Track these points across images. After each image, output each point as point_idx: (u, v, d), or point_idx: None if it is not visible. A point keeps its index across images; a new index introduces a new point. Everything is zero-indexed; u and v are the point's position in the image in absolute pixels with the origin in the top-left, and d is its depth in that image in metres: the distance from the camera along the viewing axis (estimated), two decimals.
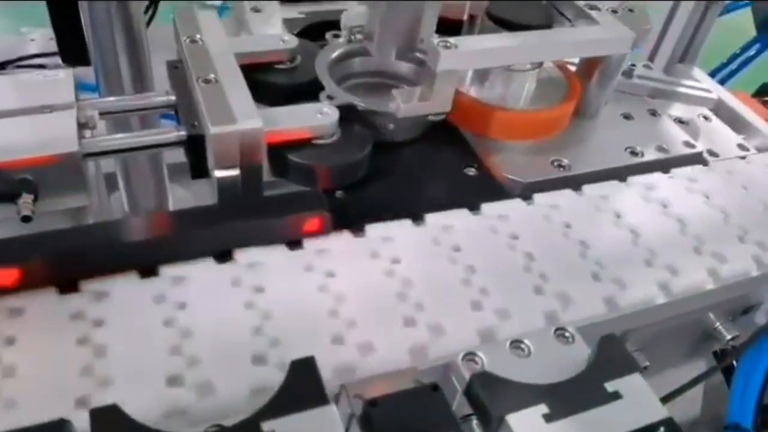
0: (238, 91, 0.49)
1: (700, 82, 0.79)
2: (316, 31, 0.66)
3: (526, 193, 0.57)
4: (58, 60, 0.84)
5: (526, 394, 0.39)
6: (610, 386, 0.40)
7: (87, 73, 0.58)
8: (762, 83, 0.85)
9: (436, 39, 0.51)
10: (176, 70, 0.55)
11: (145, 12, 0.88)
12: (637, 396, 0.40)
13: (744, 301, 0.56)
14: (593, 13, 0.58)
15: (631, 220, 0.55)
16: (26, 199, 0.45)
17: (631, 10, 0.64)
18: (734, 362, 0.57)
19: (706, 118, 0.74)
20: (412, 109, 0.53)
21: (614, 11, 0.62)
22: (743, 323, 0.57)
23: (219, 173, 0.47)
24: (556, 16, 0.60)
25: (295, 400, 0.36)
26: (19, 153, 0.46)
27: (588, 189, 0.57)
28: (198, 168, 0.51)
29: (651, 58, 0.91)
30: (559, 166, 0.61)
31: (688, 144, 0.67)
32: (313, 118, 0.51)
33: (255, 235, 0.47)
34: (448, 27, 0.65)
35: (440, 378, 0.43)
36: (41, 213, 0.46)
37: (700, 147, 0.67)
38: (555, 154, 0.62)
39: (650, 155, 0.64)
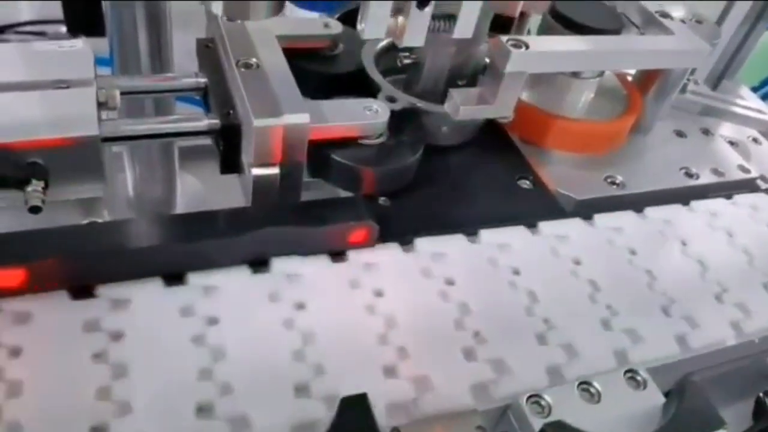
0: (283, 80, 0.43)
1: (747, 100, 0.75)
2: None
3: (580, 210, 0.53)
4: (58, 27, 0.77)
5: None
6: None
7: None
8: None
9: (504, 37, 0.46)
10: (207, 49, 0.49)
11: None
12: None
13: None
14: (666, 21, 0.53)
15: (698, 249, 0.50)
16: (36, 186, 0.39)
17: (699, 21, 0.59)
18: None
19: (755, 140, 0.70)
20: (471, 112, 0.48)
21: (683, 20, 0.58)
22: None
23: (257, 171, 0.42)
24: (625, 22, 0.55)
25: None
26: (30, 133, 0.40)
27: (651, 212, 0.52)
28: (229, 162, 0.45)
29: (692, 72, 0.87)
30: (613, 183, 0.57)
31: (743, 168, 0.63)
32: (362, 116, 0.45)
33: (296, 243, 0.41)
34: (496, 24, 0.60)
35: (499, 420, 0.38)
36: (51, 203, 0.40)
37: (754, 172, 0.63)
38: (609, 170, 0.57)
39: (705, 178, 0.60)
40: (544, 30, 0.54)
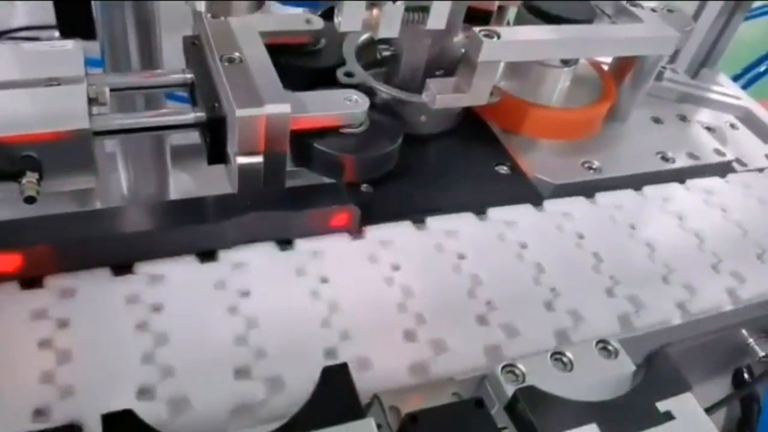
0: (264, 72, 0.45)
1: (725, 87, 0.77)
2: None
3: (557, 194, 0.54)
4: (52, 33, 0.79)
5: (575, 412, 0.36)
6: (662, 406, 0.37)
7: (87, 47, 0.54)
8: None
9: (477, 28, 0.48)
10: (194, 46, 0.51)
11: None
12: (691, 417, 0.37)
13: None
14: (636, 10, 0.55)
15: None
16: (30, 178, 0.41)
17: (670, 10, 0.61)
18: None
19: (733, 126, 0.72)
20: (447, 101, 0.50)
21: (653, 10, 0.60)
22: None
23: (241, 160, 0.44)
24: (597, 12, 0.57)
25: (328, 411, 0.33)
26: (24, 128, 0.42)
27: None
28: (215, 153, 0.47)
29: (672, 61, 0.89)
30: (590, 168, 0.58)
31: (718, 152, 0.65)
32: (342, 106, 0.47)
33: (280, 228, 0.43)
34: (475, 17, 0.62)
35: (475, 390, 0.40)
36: (44, 194, 0.42)
37: (729, 155, 0.65)
38: (586, 156, 0.59)
39: (681, 161, 0.62)
40: (519, 22, 0.56)
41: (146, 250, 0.41)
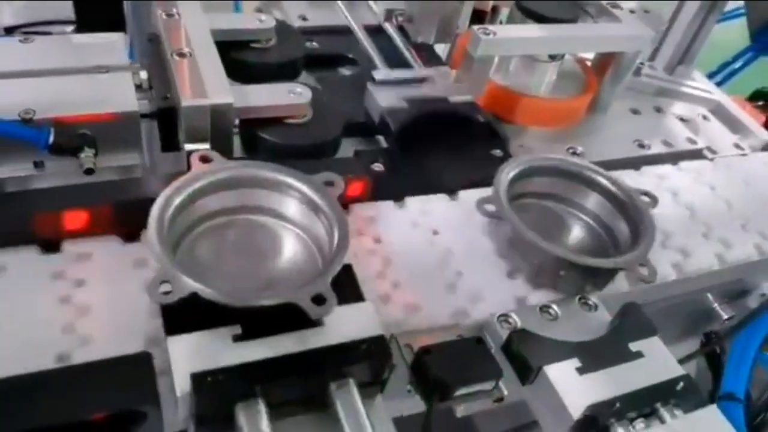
0: (211, 66, 0.49)
1: (699, 83, 0.84)
2: None
3: None
4: (63, 28, 0.84)
5: (560, 349, 0.43)
6: (633, 346, 0.44)
7: None
8: (755, 89, 0.91)
9: (475, 26, 0.55)
10: (151, 42, 0.55)
11: None
12: (657, 356, 0.44)
13: (740, 285, 0.61)
14: (615, 11, 0.62)
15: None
16: (88, 153, 0.47)
17: (646, 11, 0.68)
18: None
19: (705, 117, 0.79)
20: (448, 89, 0.56)
21: (632, 11, 0.67)
22: (738, 306, 0.62)
23: (189, 146, 0.47)
24: (581, 13, 0.64)
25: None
26: (80, 109, 0.48)
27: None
28: (168, 141, 0.51)
29: (652, 59, 0.96)
30: (574, 153, 0.65)
31: (690, 140, 0.72)
32: (285, 98, 0.51)
33: None
34: (474, 17, 0.69)
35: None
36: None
37: (701, 144, 0.72)
38: (571, 142, 0.66)
39: (656, 148, 0.69)
40: (511, 21, 0.63)
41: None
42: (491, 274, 0.49)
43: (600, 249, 0.50)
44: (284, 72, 0.58)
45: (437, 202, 0.53)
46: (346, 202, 0.50)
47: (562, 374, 0.41)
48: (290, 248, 0.43)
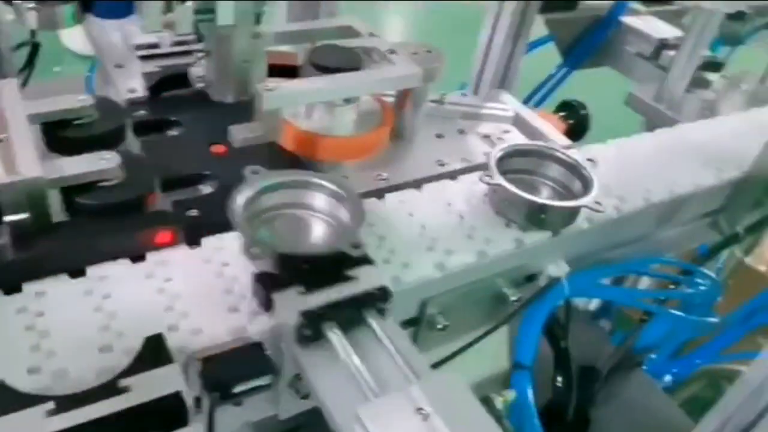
0: (24, 147, 0.57)
1: (505, 103, 0.97)
2: (170, 81, 0.78)
3: None
4: None
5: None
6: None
7: None
8: (562, 101, 1.05)
9: (265, 83, 0.65)
10: None
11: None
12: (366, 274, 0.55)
13: (523, 271, 0.72)
14: (392, 56, 0.74)
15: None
16: None
17: (429, 51, 0.80)
18: None
19: (507, 131, 0.92)
20: (249, 140, 0.66)
21: (415, 53, 0.79)
22: (530, 288, 0.73)
23: (9, 218, 0.55)
24: (365, 60, 0.75)
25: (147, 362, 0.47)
26: None
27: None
28: None
29: (476, 87, 1.09)
30: (381, 179, 0.76)
31: (486, 154, 0.84)
32: (95, 164, 0.60)
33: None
34: (287, 72, 0.79)
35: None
36: None
37: None
38: (378, 169, 0.77)
39: (455, 165, 0.81)
40: (303, 75, 0.73)
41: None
42: None
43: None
44: (107, 141, 0.67)
45: (231, 240, 0.61)
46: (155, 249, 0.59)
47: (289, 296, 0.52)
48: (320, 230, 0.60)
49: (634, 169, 0.74)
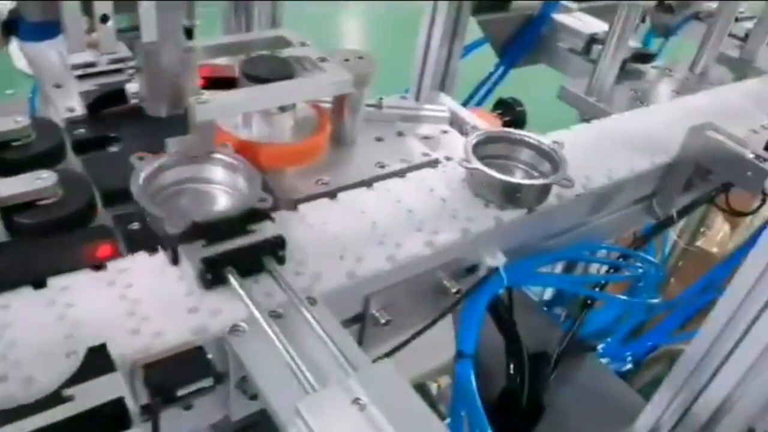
0: None
1: (442, 104, 1.00)
2: (107, 99, 0.79)
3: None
4: None
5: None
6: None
7: None
8: (498, 99, 1.09)
9: (198, 96, 0.66)
10: None
11: None
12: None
13: (462, 263, 0.75)
14: (324, 64, 0.76)
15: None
16: None
17: (361, 57, 0.83)
18: None
19: (445, 131, 0.95)
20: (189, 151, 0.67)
21: (347, 59, 0.81)
22: (471, 280, 0.76)
23: None
24: (298, 69, 0.77)
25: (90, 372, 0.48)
26: None
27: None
28: None
29: (418, 90, 1.12)
30: (322, 183, 0.78)
31: (425, 154, 0.87)
32: (31, 184, 0.61)
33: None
34: (226, 84, 0.81)
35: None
36: None
37: (436, 155, 0.87)
38: (319, 174, 0.79)
39: (394, 166, 0.83)
40: (239, 85, 0.75)
41: None
42: None
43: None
44: (46, 160, 0.68)
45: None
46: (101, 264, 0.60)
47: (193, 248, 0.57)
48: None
49: (573, 159, 0.78)
